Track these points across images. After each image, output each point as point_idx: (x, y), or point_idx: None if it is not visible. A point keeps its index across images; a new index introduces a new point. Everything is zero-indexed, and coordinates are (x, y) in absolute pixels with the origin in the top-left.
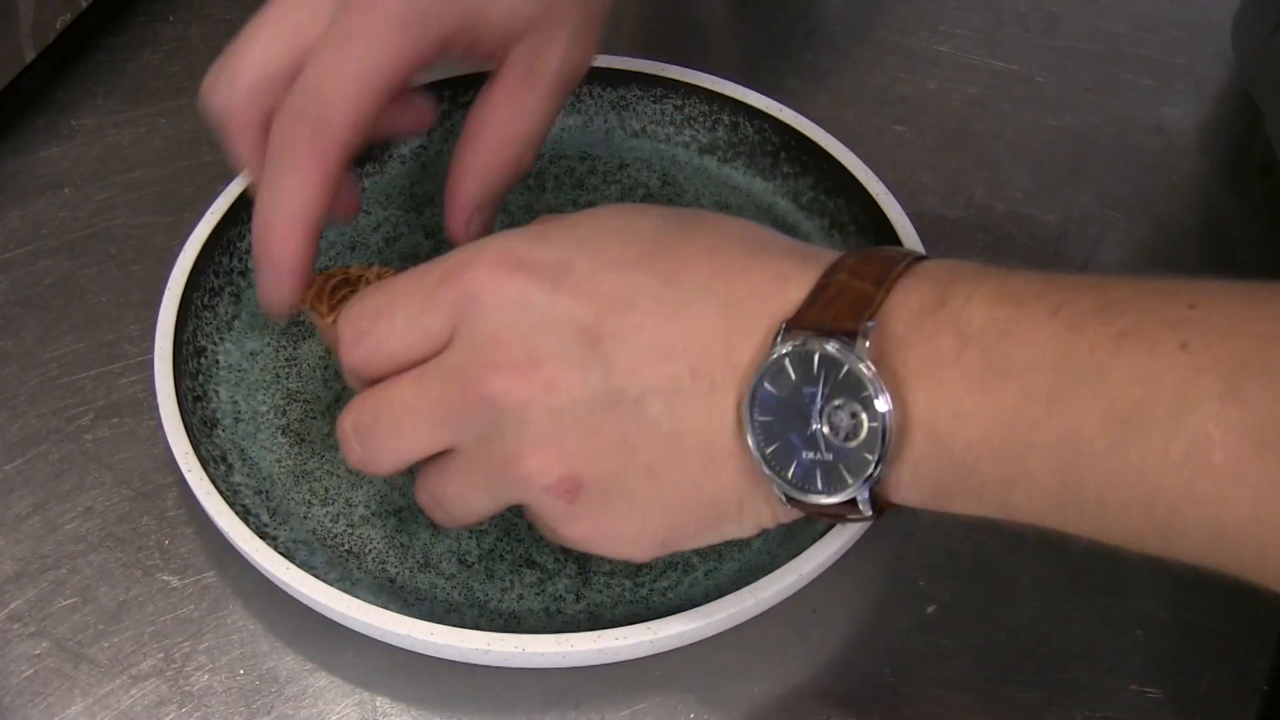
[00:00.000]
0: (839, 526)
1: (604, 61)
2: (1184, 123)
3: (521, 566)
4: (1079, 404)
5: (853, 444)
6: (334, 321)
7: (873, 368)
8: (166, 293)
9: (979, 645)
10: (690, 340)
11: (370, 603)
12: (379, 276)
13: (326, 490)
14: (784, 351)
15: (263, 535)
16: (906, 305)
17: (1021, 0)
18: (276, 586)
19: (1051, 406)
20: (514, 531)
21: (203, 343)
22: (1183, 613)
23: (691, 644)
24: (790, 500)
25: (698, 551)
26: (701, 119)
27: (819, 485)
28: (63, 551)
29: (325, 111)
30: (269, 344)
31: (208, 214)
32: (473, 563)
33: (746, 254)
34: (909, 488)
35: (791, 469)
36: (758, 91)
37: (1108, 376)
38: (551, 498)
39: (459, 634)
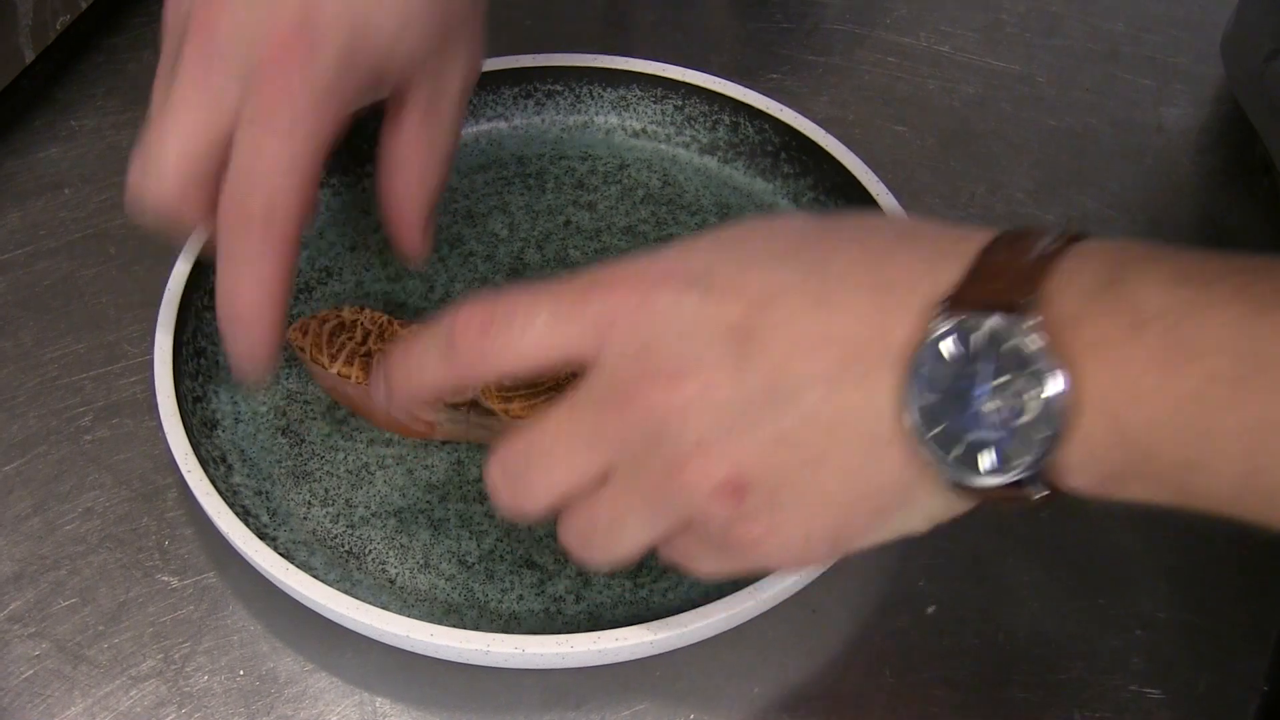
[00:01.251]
0: None
1: (605, 62)
2: (1183, 122)
3: (521, 567)
4: (1267, 389)
5: (1021, 422)
6: (337, 372)
7: (1046, 337)
8: (166, 293)
9: (978, 645)
10: (841, 327)
11: (370, 604)
12: (373, 321)
13: (326, 491)
14: (944, 329)
15: (262, 536)
16: (1075, 282)
17: (1021, 0)
18: (276, 587)
19: (1238, 391)
20: (514, 533)
21: (203, 343)
22: (1182, 613)
23: (692, 644)
24: (956, 486)
25: None
26: (702, 119)
27: (985, 467)
28: (62, 552)
29: (269, 203)
30: None
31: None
32: (473, 564)
33: (894, 238)
34: (1081, 471)
35: (956, 451)
36: (758, 92)
37: None
38: (717, 505)
39: (459, 635)
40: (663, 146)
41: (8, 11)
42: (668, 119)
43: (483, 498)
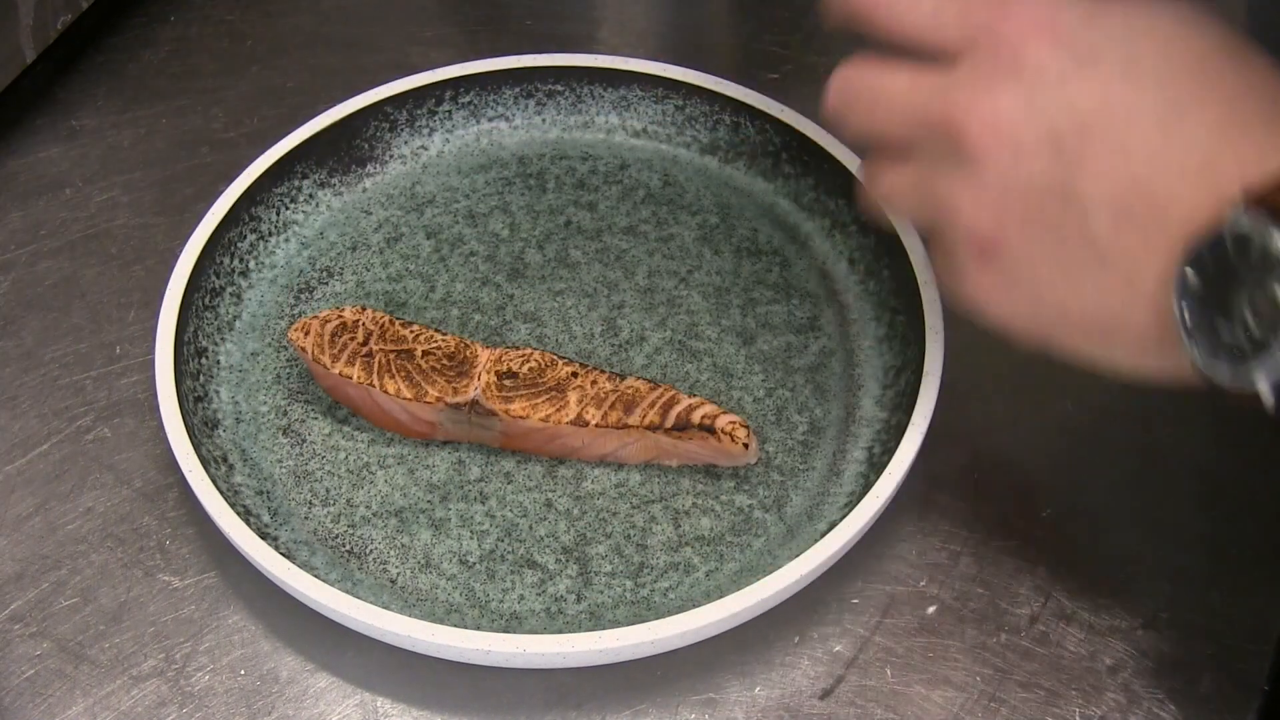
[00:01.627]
0: (839, 529)
1: (606, 62)
2: None
3: (522, 567)
4: None
5: (1271, 336)
6: (339, 372)
7: None
8: (167, 293)
9: (980, 646)
10: (1163, 176)
11: (371, 603)
12: (375, 322)
13: (327, 491)
14: (1235, 231)
15: (264, 536)
16: None
17: None
18: (277, 587)
19: None
20: (515, 532)
21: (204, 343)
22: (1183, 613)
23: (692, 644)
24: (1195, 369)
25: (699, 552)
26: (703, 119)
27: (1226, 365)
28: (63, 552)
29: None
30: (270, 344)
31: (208, 214)
32: (474, 563)
33: (1257, 106)
34: None
35: (1206, 340)
36: (759, 92)
37: None
38: (968, 247)
39: (460, 635)
40: (663, 146)
41: (9, 11)
42: (668, 119)
43: (484, 498)
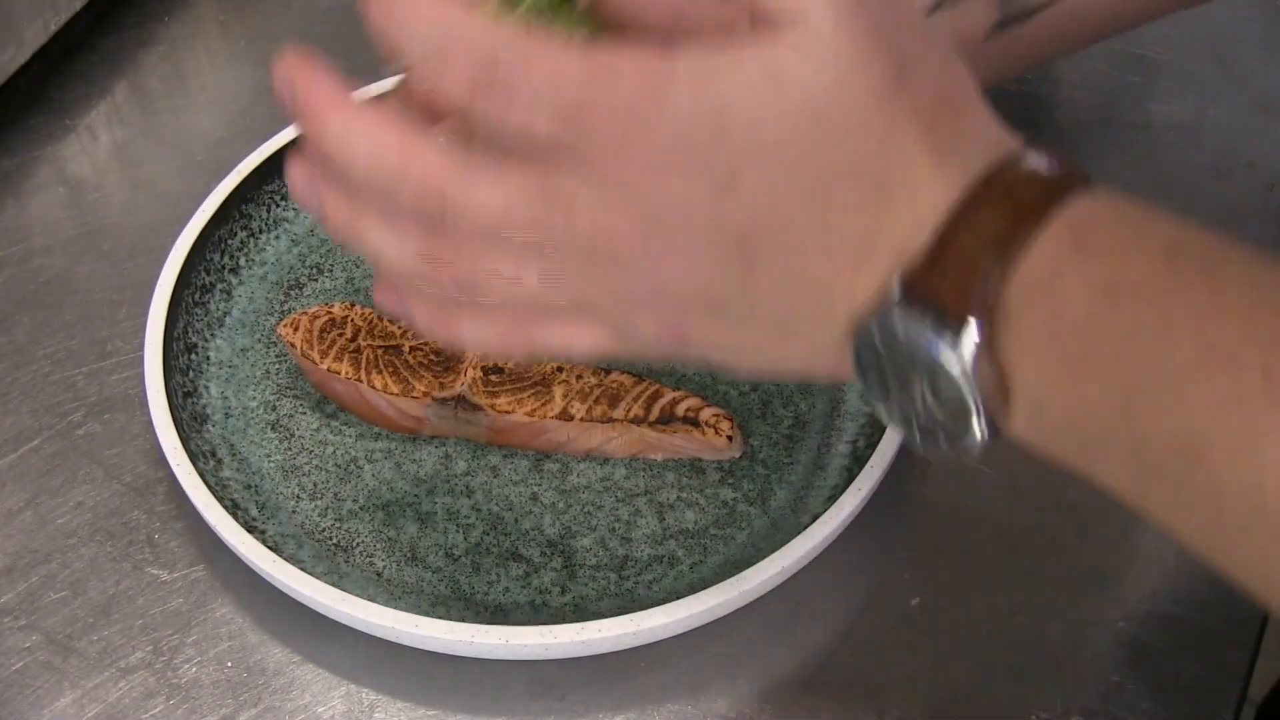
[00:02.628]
0: (821, 521)
1: None
2: (1172, 118)
3: (507, 560)
4: (1153, 416)
5: (947, 414)
6: (328, 367)
7: (973, 381)
8: (157, 290)
9: (962, 637)
10: (823, 277)
11: (357, 596)
12: (363, 318)
13: (315, 485)
14: (892, 321)
15: (251, 529)
16: (1026, 274)
17: None
18: (265, 580)
19: (1127, 409)
20: (500, 526)
21: (193, 339)
22: (1164, 604)
23: (676, 636)
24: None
25: (683, 545)
26: None
27: (915, 432)
28: (53, 546)
29: None
30: (259, 340)
31: (198, 212)
32: (459, 556)
33: (896, 164)
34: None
35: (890, 407)
36: None
37: (1183, 395)
38: (653, 345)
39: (444, 626)
40: None
41: (5, 11)
42: None
43: (470, 492)
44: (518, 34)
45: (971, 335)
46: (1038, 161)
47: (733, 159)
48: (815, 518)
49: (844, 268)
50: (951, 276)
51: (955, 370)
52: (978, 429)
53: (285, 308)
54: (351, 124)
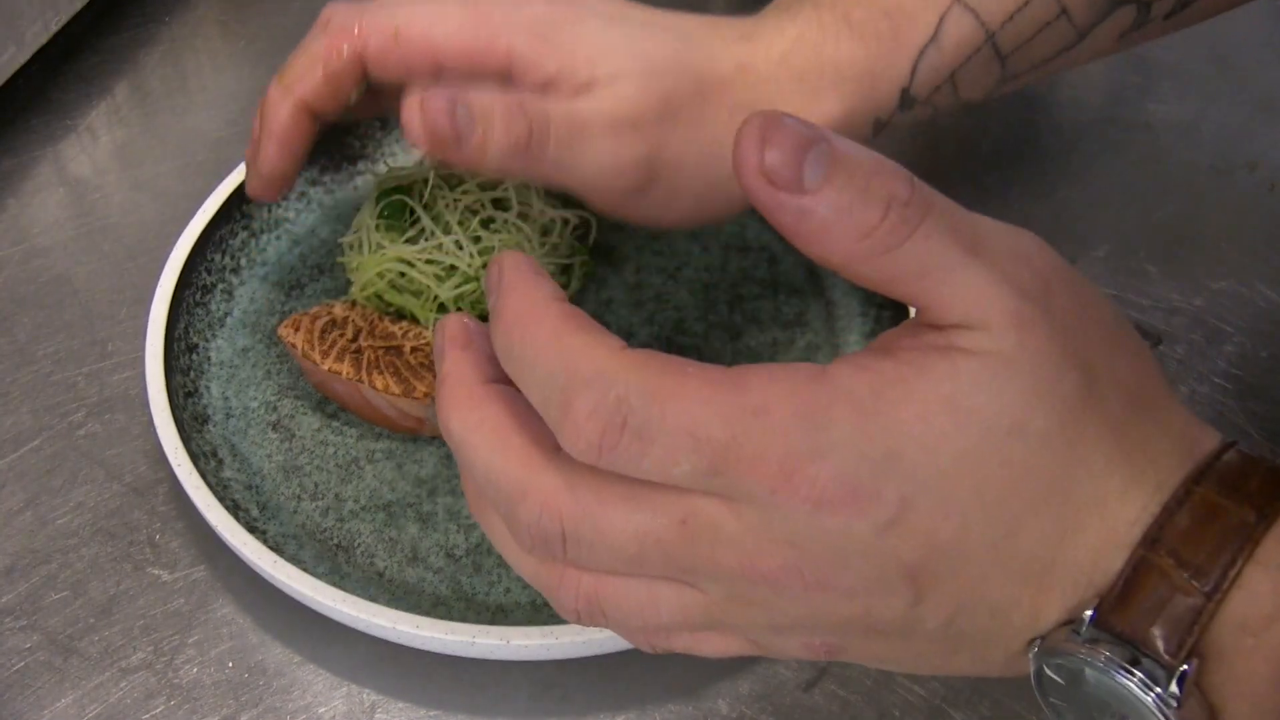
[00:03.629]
0: None
1: None
2: (1171, 118)
3: None
4: None
5: None
6: (329, 368)
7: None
8: (158, 290)
9: None
10: (1002, 601)
11: (359, 596)
12: (364, 318)
13: (316, 485)
14: (1078, 656)
15: (252, 530)
16: (1238, 612)
17: None
18: (266, 580)
19: None
20: None
21: (194, 339)
22: None
23: None
24: None
25: None
26: None
27: None
28: (54, 546)
29: None
30: (260, 340)
31: (199, 212)
32: (460, 556)
33: (1089, 493)
34: None
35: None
36: None
37: None
38: (807, 654)
39: (445, 627)
40: None
41: (4, 11)
42: None
43: None
44: (648, 369)
45: (1173, 681)
46: (1241, 463)
47: (904, 493)
48: None
49: (1025, 593)
50: (1149, 612)
51: (1154, 715)
52: None
53: (286, 308)
54: (469, 430)
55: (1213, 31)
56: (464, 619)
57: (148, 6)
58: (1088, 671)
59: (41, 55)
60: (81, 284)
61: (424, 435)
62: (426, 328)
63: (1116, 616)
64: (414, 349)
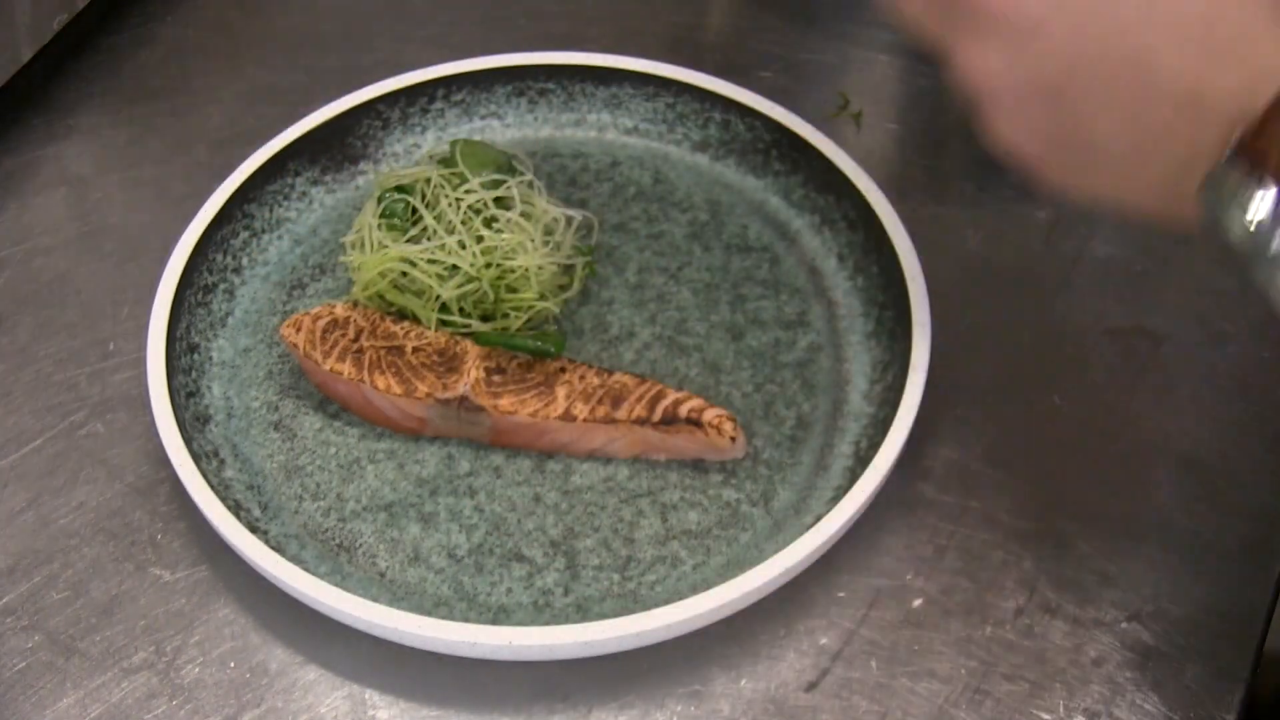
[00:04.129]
0: (825, 522)
1: (597, 60)
2: None
3: (510, 560)
4: None
5: None
6: (330, 368)
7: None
8: (159, 290)
9: (965, 639)
10: (1212, 65)
11: (360, 596)
12: (366, 318)
13: (318, 485)
14: (1226, 187)
15: (254, 530)
16: None
17: None
18: (267, 580)
19: None
20: (503, 526)
21: (196, 339)
22: (1166, 605)
23: (679, 637)
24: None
25: (686, 546)
26: (693, 117)
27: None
28: (56, 546)
29: None
30: (262, 340)
31: (201, 212)
32: (462, 557)
33: (1227, 37)
34: None
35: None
36: (749, 89)
37: None
38: (1022, 95)
39: (447, 627)
40: (654, 144)
41: (6, 11)
42: (659, 117)
43: (473, 492)
44: None
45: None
46: None
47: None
48: (818, 519)
49: (1176, 121)
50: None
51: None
52: None
53: (288, 308)
54: None
55: None
56: (466, 619)
57: (149, 6)
58: (1223, 195)
59: (43, 55)
60: (83, 284)
61: (426, 435)
62: (428, 328)
63: (1254, 140)
64: (416, 349)
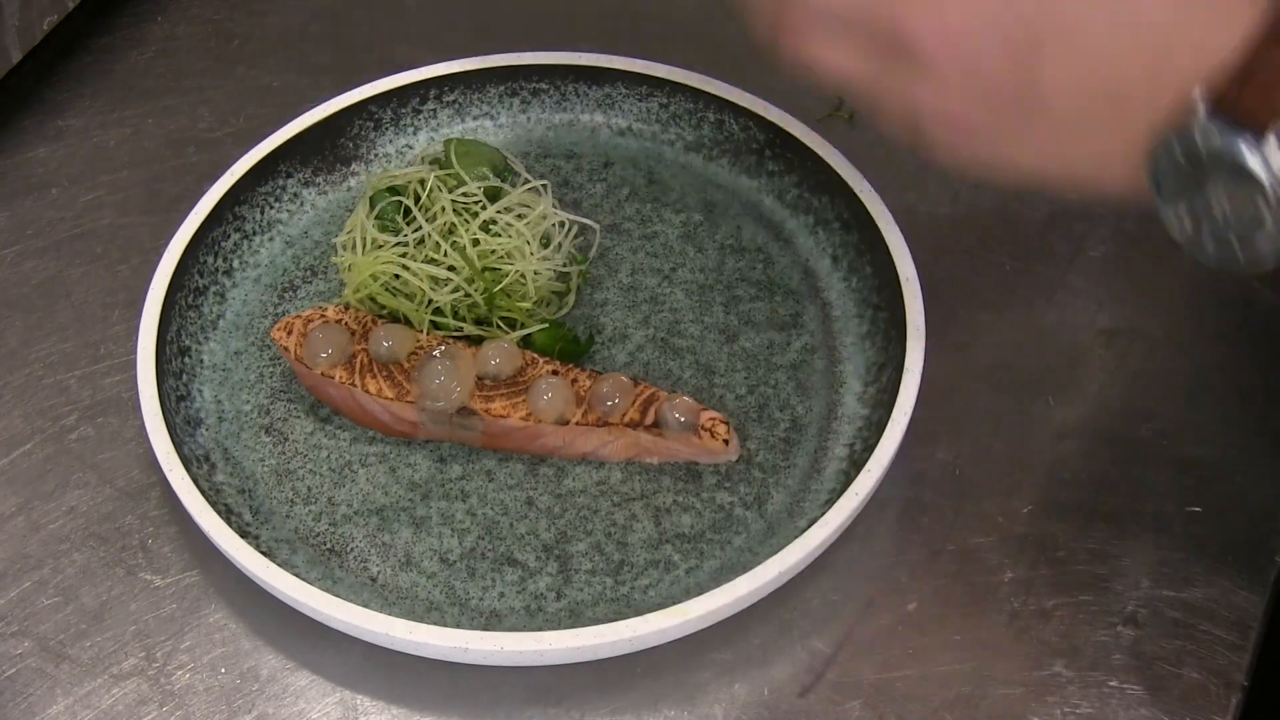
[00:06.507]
0: (819, 525)
1: (590, 60)
2: None
3: (503, 565)
4: None
5: (1246, 230)
6: (323, 373)
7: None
8: (150, 293)
9: (960, 642)
10: (1121, 71)
11: (351, 602)
12: (357, 321)
13: (309, 489)
14: (1193, 135)
15: (244, 534)
16: None
17: None
18: (258, 586)
19: None
20: (496, 530)
21: (187, 342)
22: (1164, 609)
23: (672, 641)
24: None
25: (679, 549)
26: (687, 116)
27: (1210, 250)
28: (46, 551)
29: None
30: (253, 343)
31: (192, 214)
32: (454, 561)
33: None
34: None
35: (1179, 213)
36: (743, 89)
37: None
38: (936, 127)
39: (438, 633)
40: (648, 144)
41: None
42: (653, 116)
43: (465, 496)
44: None
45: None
46: None
47: None
48: (812, 522)
49: (1138, 77)
50: (1266, 92)
51: (1263, 176)
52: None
53: (279, 311)
54: None
55: None
56: (458, 624)
57: (140, 7)
58: (1201, 147)
59: (34, 55)
60: (74, 286)
61: (418, 439)
62: (420, 332)
63: (1232, 99)
64: (407, 353)
